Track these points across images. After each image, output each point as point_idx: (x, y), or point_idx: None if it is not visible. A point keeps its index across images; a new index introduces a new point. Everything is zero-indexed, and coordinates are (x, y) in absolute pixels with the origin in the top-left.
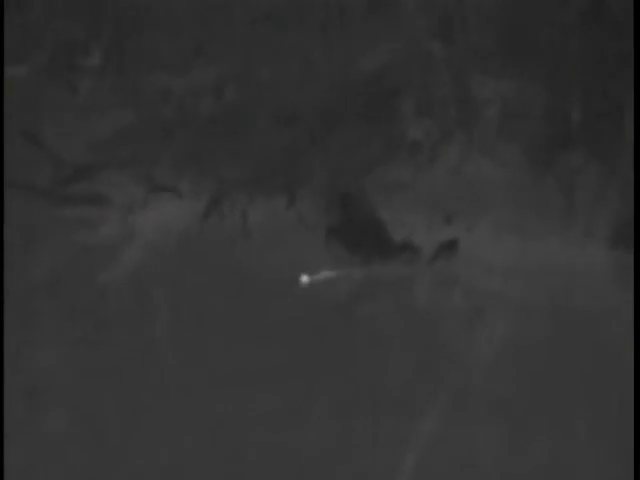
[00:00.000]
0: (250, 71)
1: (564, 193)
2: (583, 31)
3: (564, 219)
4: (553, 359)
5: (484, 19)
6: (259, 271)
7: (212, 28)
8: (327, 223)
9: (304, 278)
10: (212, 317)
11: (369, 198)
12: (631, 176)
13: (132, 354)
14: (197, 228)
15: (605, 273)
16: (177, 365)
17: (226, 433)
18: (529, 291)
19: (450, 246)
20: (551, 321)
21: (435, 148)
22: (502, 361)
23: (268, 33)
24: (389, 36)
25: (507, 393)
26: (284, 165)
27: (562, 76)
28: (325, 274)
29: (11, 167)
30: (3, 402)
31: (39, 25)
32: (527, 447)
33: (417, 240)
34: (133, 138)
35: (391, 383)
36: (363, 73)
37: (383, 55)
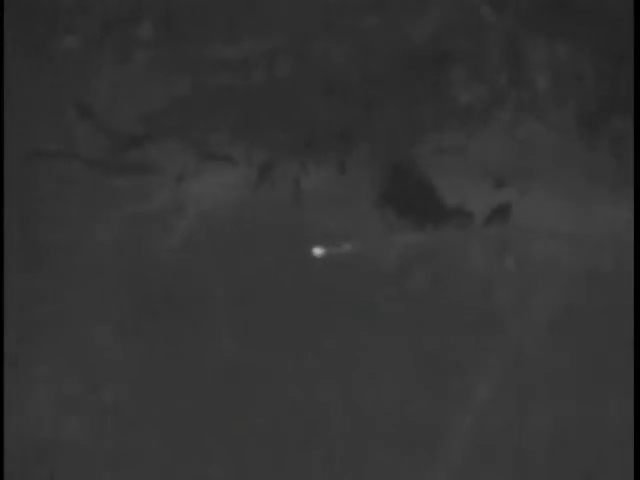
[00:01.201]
0: (302, 40)
1: (615, 157)
2: None
3: (615, 183)
4: (606, 326)
5: None
6: (312, 238)
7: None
8: (379, 190)
9: (317, 250)
10: (265, 285)
11: (421, 164)
12: None
13: (186, 323)
14: (249, 196)
15: None
16: (231, 335)
17: (286, 403)
18: (581, 256)
19: (502, 211)
20: (603, 287)
21: (487, 113)
22: (555, 328)
23: (319, 5)
24: (439, 2)
25: (560, 361)
26: (336, 132)
27: (614, 40)
28: (345, 246)
29: (64, 138)
30: (3, 402)
31: None
32: (578, 415)
33: (469, 205)
34: (185, 108)
35: (444, 349)
36: (414, 40)
37: (434, 21)
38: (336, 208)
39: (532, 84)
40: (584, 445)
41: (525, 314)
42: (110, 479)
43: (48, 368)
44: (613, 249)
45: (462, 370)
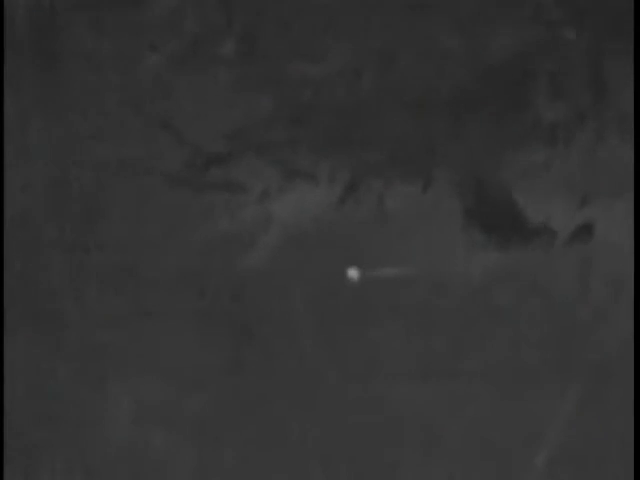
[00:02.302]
0: (386, 57)
1: None
2: None
3: None
4: None
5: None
6: (396, 255)
7: (348, 14)
8: (463, 207)
9: (352, 272)
10: (350, 301)
11: (505, 181)
12: None
13: (271, 339)
14: (333, 213)
15: None
16: (317, 348)
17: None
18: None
19: (586, 229)
20: None
21: (570, 131)
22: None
23: (404, 19)
24: (521, 21)
25: None
26: (420, 149)
27: None
28: (385, 270)
29: (149, 156)
30: (3, 402)
31: (174, 13)
32: None
33: (553, 223)
34: (269, 125)
35: (528, 366)
36: (498, 58)
37: (516, 39)
38: (420, 225)
39: (614, 102)
40: None
41: (609, 331)
42: None
43: (132, 379)
44: None
45: (548, 386)
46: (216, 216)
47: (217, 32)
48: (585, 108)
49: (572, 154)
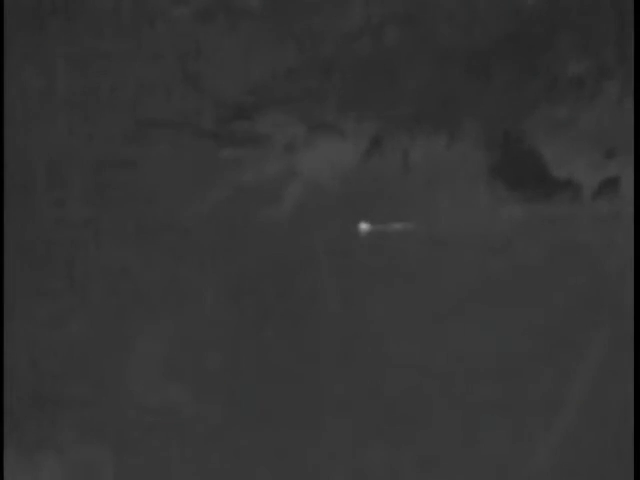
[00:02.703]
0: (410, 10)
1: None
2: None
3: None
4: None
5: None
6: (421, 211)
7: None
8: (488, 161)
9: (363, 226)
10: (373, 255)
11: (530, 135)
12: None
13: (292, 291)
14: (358, 167)
15: None
16: (339, 308)
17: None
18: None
19: (612, 183)
20: None
21: (596, 84)
22: None
23: None
24: None
25: None
26: (445, 104)
27: None
28: (394, 226)
29: (172, 108)
30: (3, 402)
31: None
32: None
33: (578, 177)
34: (294, 78)
35: (553, 322)
36: (522, 10)
37: None
38: (445, 180)
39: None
40: None
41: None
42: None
43: (154, 337)
44: None
45: (572, 343)
46: (241, 169)
47: None
48: (611, 61)
49: (598, 108)
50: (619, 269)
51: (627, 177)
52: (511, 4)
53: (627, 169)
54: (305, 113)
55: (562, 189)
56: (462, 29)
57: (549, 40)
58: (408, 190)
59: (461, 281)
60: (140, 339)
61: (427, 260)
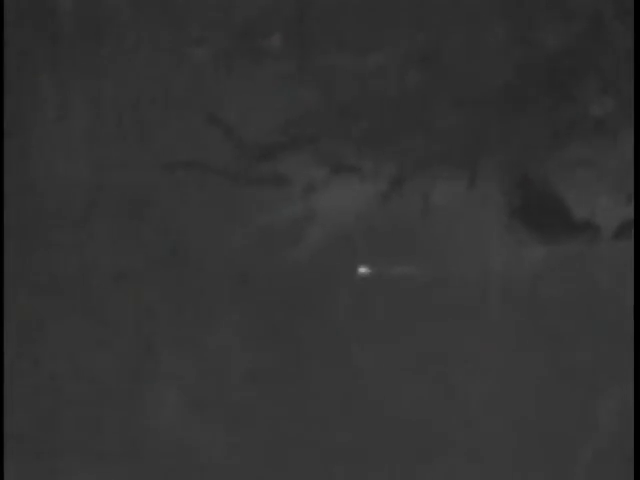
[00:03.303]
0: (433, 50)
1: None
2: None
3: None
4: None
5: None
6: (441, 253)
7: (394, 8)
8: (509, 203)
9: (362, 269)
10: (392, 297)
11: (551, 177)
12: None
13: (315, 333)
14: (378, 209)
15: None
16: (360, 346)
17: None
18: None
19: (632, 226)
20: None
21: (617, 127)
22: None
23: (451, 15)
24: (572, 15)
25: None
26: (466, 145)
27: None
28: (402, 269)
29: (195, 148)
30: (3, 401)
31: (220, 6)
32: None
33: (598, 219)
34: (315, 119)
35: (574, 364)
36: (546, 52)
37: (568, 33)
38: (466, 222)
39: None
40: None
41: None
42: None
43: (176, 371)
44: None
45: (592, 385)
46: (263, 210)
47: (264, 25)
48: (632, 103)
49: (619, 150)
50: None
51: None
52: (533, 44)
53: None
54: (325, 154)
55: (583, 230)
56: (484, 70)
57: (570, 81)
58: (428, 232)
59: (481, 323)
60: (161, 377)
61: (445, 302)
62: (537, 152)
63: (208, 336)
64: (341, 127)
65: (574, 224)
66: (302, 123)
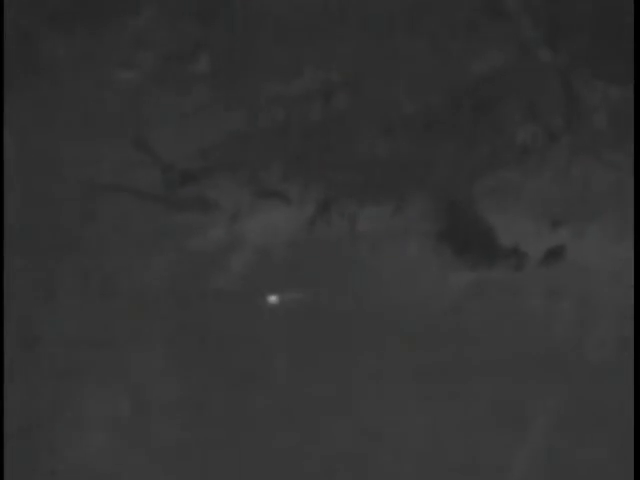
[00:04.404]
0: (358, 77)
1: None
2: None
3: None
4: None
5: (588, 25)
6: (367, 277)
7: (320, 33)
8: (435, 229)
9: (272, 298)
10: (321, 321)
11: (477, 203)
12: None
13: (245, 359)
14: (305, 234)
15: None
16: (294, 371)
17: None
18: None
19: (557, 252)
20: None
21: (543, 153)
22: (611, 369)
23: (376, 39)
24: (497, 41)
25: (614, 402)
26: (392, 171)
27: None
28: (293, 294)
29: (120, 172)
30: (3, 401)
31: (148, 30)
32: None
33: (525, 245)
34: (242, 143)
35: (501, 392)
36: (471, 78)
37: (491, 60)
38: (392, 247)
39: (588, 124)
40: None
41: (581, 354)
42: None
43: (100, 393)
44: None
45: (520, 414)
46: (187, 234)
47: (191, 49)
48: (558, 129)
49: (545, 176)
50: (565, 336)
51: (572, 245)
52: (458, 72)
53: (573, 237)
54: (252, 179)
55: (509, 256)
56: (410, 96)
57: (496, 107)
58: (355, 256)
59: (411, 345)
60: (90, 402)
61: (374, 320)
62: (463, 177)
63: (133, 361)
64: (267, 152)
65: (501, 249)
66: (228, 147)
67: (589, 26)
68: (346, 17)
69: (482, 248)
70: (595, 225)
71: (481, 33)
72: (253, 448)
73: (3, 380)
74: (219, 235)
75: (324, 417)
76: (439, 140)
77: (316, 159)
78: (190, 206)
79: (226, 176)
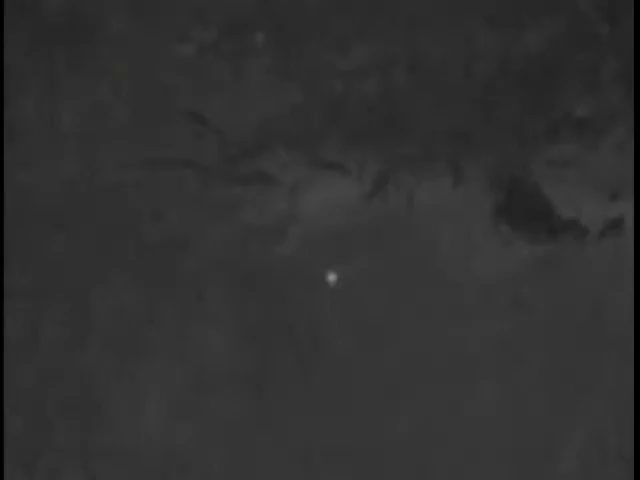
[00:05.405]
0: (417, 49)
1: None
2: None
3: None
4: None
5: None
6: (426, 252)
7: (376, 8)
8: (494, 202)
9: (331, 277)
10: (377, 295)
11: (536, 176)
12: None
13: (303, 332)
14: (363, 207)
15: None
16: (352, 348)
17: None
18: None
19: (617, 224)
20: None
21: (601, 126)
22: None
23: (432, 11)
24: (554, 14)
25: None
26: (450, 145)
27: None
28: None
29: (178, 146)
30: (3, 401)
31: (207, 4)
32: None
33: (584, 218)
34: (299, 117)
35: (558, 367)
36: (529, 50)
37: (550, 31)
38: (451, 220)
39: None
40: None
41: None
42: None
43: (163, 370)
44: None
45: (575, 386)
46: (245, 208)
47: (247, 23)
48: (616, 103)
49: (603, 149)
50: (625, 310)
51: (631, 218)
52: (515, 46)
53: (631, 210)
54: (310, 152)
55: (568, 229)
56: (468, 68)
57: (554, 81)
58: (413, 230)
59: (468, 322)
60: (146, 382)
61: (433, 295)
62: (522, 150)
63: (192, 333)
64: (325, 125)
65: (561, 223)
66: (286, 121)
67: None
68: None
69: (541, 221)
70: None
71: (540, 4)
72: (308, 428)
73: (3, 380)
74: (277, 208)
75: (383, 401)
76: (497, 113)
77: (374, 132)
78: (248, 180)
79: (284, 149)
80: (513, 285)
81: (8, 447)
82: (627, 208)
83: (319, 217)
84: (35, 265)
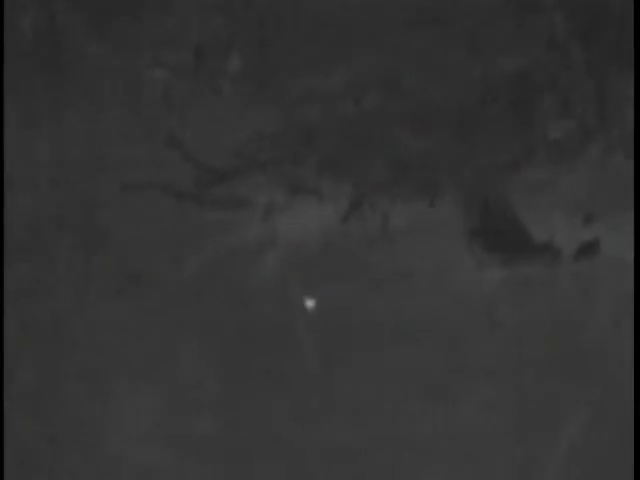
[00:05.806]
0: (390, 73)
1: None
2: None
3: None
4: None
5: (620, 18)
6: (401, 274)
7: (353, 30)
8: (468, 224)
9: (309, 302)
10: (354, 318)
11: (509, 199)
12: None
13: (277, 355)
14: (338, 231)
15: None
16: (323, 369)
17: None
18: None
19: (591, 247)
20: None
21: (575, 148)
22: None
23: (408, 35)
24: (528, 38)
25: None
26: (425, 167)
27: None
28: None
29: (154, 170)
30: (3, 402)
31: (181, 27)
32: None
33: (558, 241)
34: (274, 141)
35: (534, 387)
36: (505, 74)
37: (523, 56)
38: (426, 242)
39: (621, 119)
40: None
41: (616, 350)
42: None
43: (138, 391)
44: None
45: (554, 410)
46: (221, 232)
47: (223, 46)
48: (590, 125)
49: (577, 171)
50: (599, 332)
51: (606, 240)
52: (491, 70)
53: (606, 232)
54: (285, 176)
55: (542, 252)
56: (442, 92)
57: (529, 104)
58: (388, 253)
59: (441, 341)
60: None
61: (404, 317)
62: (496, 173)
63: (170, 358)
64: (300, 149)
65: (534, 246)
66: (261, 145)
67: (621, 21)
68: (377, 13)
69: (515, 244)
70: (628, 219)
71: (513, 28)
72: (291, 446)
73: (3, 380)
74: (253, 232)
75: (357, 417)
76: (472, 136)
77: (349, 155)
78: (224, 204)
79: (259, 173)
80: (488, 305)
81: None
82: (602, 230)
83: (295, 240)
84: None
